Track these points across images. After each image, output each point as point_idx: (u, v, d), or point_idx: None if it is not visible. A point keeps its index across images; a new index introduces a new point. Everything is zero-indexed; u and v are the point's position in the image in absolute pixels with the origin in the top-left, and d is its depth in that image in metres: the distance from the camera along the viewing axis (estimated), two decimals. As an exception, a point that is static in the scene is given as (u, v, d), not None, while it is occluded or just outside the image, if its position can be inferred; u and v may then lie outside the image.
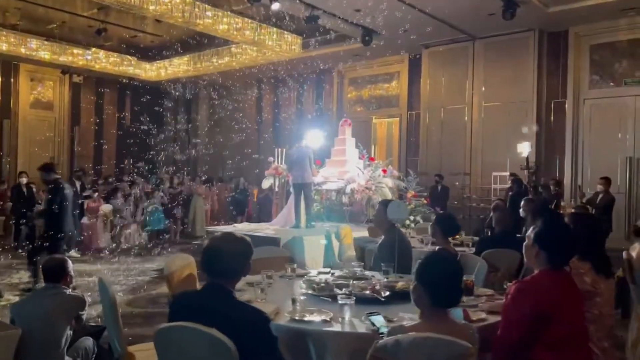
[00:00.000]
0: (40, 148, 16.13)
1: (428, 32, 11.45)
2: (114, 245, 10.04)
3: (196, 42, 14.39)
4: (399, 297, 2.79)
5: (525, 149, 10.15)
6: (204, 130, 18.74)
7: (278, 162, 9.47)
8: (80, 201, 9.11)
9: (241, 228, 8.72)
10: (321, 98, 15.76)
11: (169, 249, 9.38)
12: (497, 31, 11.53)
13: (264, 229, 8.39)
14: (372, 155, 11.67)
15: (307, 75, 15.77)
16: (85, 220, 9.88)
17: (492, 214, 6.83)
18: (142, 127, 18.47)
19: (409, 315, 2.42)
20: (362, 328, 2.29)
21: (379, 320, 2.04)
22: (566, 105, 11.32)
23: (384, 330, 1.93)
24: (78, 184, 9.20)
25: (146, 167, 16.70)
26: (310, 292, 2.78)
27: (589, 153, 11.10)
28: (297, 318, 2.34)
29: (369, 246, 4.89)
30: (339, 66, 14.86)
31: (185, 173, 16.68)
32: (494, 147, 11.82)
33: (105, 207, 10.07)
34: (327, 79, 15.58)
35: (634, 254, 4.18)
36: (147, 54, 16.11)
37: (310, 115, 15.85)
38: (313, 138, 9.04)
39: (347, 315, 2.38)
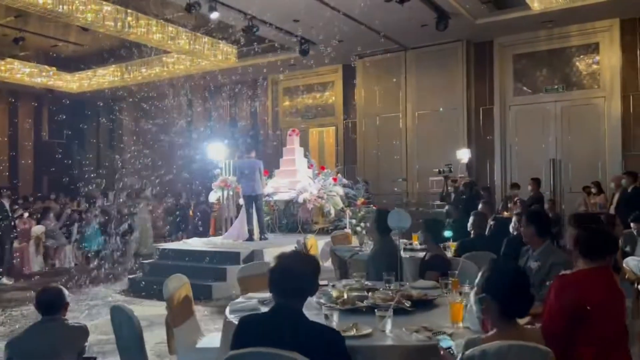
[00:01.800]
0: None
1: (362, 42, 11.74)
2: (47, 269, 9.36)
3: (123, 52, 13.81)
4: (421, 306, 2.85)
5: (464, 155, 10.65)
6: (130, 144, 17.95)
7: (225, 174, 9.28)
8: (12, 222, 8.41)
9: (193, 244, 8.44)
10: (255, 108, 15.64)
11: (117, 270, 8.87)
12: (428, 42, 12.04)
13: (218, 244, 8.18)
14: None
15: (241, 85, 15.60)
16: (15, 243, 9.13)
17: (447, 219, 7.11)
18: (62, 141, 17.43)
19: (447, 325, 2.47)
20: (407, 340, 2.30)
21: (447, 342, 2.06)
22: (494, 112, 12.01)
23: (449, 344, 1.96)
24: (7, 203, 8.49)
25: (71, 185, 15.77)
26: (331, 305, 2.75)
27: (516, 156, 11.84)
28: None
29: (347, 255, 4.92)
30: (274, 76, 14.84)
31: (113, 188, 15.92)
32: (429, 153, 12.29)
33: (37, 229, 9.37)
34: (261, 88, 15.49)
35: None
36: (69, 64, 15.24)
37: (245, 126, 15.70)
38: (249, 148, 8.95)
39: (388, 327, 2.39)
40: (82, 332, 2.85)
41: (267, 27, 10.94)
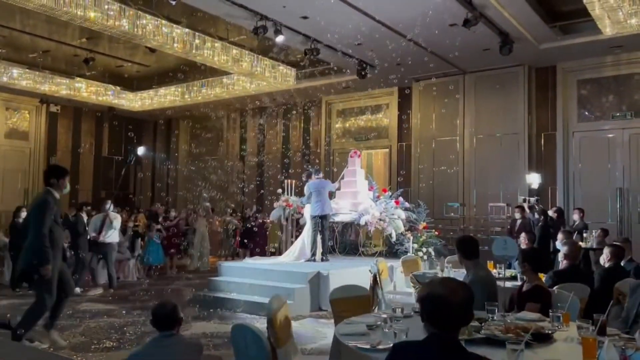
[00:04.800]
0: (14, 179, 15.50)
1: (420, 65, 11.73)
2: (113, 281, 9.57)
3: (183, 73, 14.26)
4: (540, 338, 2.77)
5: (534, 180, 10.41)
6: (184, 161, 18.45)
7: (287, 194, 9.35)
8: (88, 236, 8.71)
9: (254, 263, 8.49)
10: (308, 129, 15.79)
11: (179, 285, 9.02)
12: (487, 65, 11.93)
13: (280, 263, 8.22)
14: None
15: (294, 106, 15.82)
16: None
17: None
18: (120, 157, 18.05)
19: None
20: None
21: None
22: (556, 138, 11.74)
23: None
24: (85, 217, 8.83)
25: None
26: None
27: (579, 184, 11.48)
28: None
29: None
30: (328, 97, 14.98)
31: (168, 203, 16.32)
32: (487, 179, 12.09)
33: (105, 243, 9.63)
34: (315, 110, 15.65)
35: None
36: (132, 83, 15.84)
37: (297, 146, 15.86)
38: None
39: (520, 361, 2.33)
40: (198, 348, 2.91)
41: (328, 50, 11.07)
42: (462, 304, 1.96)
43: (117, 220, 9.05)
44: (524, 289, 3.76)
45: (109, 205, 9.11)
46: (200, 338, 5.58)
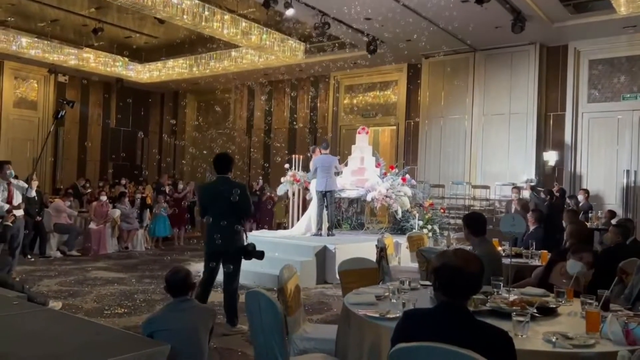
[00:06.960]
0: (23, 148, 15.59)
1: (430, 42, 11.62)
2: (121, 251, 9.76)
3: (194, 45, 14.19)
4: (544, 312, 2.85)
5: (551, 157, 10.45)
6: (191, 134, 18.52)
7: (295, 169, 9.40)
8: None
9: (262, 235, 8.60)
10: (316, 104, 15.76)
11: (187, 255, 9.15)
12: (498, 43, 11.81)
13: (287, 237, 8.32)
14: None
15: (302, 81, 15.77)
16: (93, 225, 9.61)
17: (531, 227, 6.91)
18: (127, 129, 18.11)
19: (573, 333, 2.46)
20: (548, 346, 2.32)
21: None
22: (565, 118, 11.68)
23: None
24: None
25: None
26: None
27: (587, 165, 11.46)
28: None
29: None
30: (336, 73, 14.91)
31: (176, 176, 16.44)
32: (494, 157, 12.10)
33: (114, 212, 9.79)
34: (322, 85, 15.59)
35: None
36: (140, 55, 15.79)
37: (304, 121, 15.86)
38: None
39: (525, 332, 2.41)
40: (212, 313, 3.02)
41: (338, 24, 10.99)
42: (475, 274, 2.03)
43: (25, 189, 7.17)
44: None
45: (10, 172, 7.01)
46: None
